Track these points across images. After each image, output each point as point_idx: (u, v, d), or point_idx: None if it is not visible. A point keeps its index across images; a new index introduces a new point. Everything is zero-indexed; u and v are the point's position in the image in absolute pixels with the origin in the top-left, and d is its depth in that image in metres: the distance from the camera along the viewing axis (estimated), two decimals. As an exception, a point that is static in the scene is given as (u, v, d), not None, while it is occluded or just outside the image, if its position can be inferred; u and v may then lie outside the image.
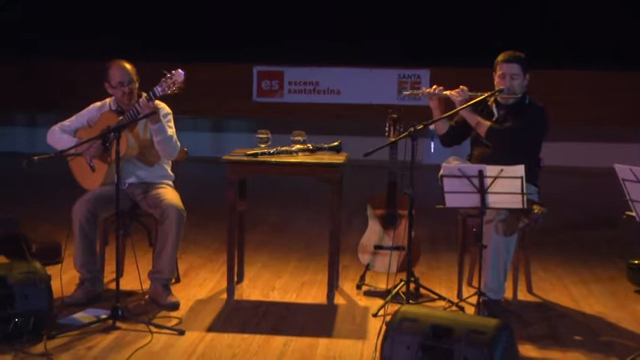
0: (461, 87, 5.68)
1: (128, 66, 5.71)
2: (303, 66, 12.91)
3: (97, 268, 5.67)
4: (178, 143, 5.74)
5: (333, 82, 12.89)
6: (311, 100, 12.85)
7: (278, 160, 5.68)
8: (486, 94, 5.59)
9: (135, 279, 5.57)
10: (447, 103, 5.73)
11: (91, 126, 5.77)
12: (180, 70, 5.35)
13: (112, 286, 5.48)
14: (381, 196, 5.99)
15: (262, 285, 6.18)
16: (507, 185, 4.88)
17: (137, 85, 5.72)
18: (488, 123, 5.59)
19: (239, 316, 5.42)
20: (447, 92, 5.70)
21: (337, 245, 5.89)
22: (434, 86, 5.78)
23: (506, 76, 5.60)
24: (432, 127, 5.70)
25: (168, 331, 5.03)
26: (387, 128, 5.79)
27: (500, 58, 5.68)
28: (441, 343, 3.99)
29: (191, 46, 12.78)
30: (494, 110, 5.70)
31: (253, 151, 5.73)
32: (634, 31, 12.16)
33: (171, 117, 5.79)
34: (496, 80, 5.68)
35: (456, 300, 5.74)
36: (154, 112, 5.44)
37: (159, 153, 5.71)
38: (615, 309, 5.76)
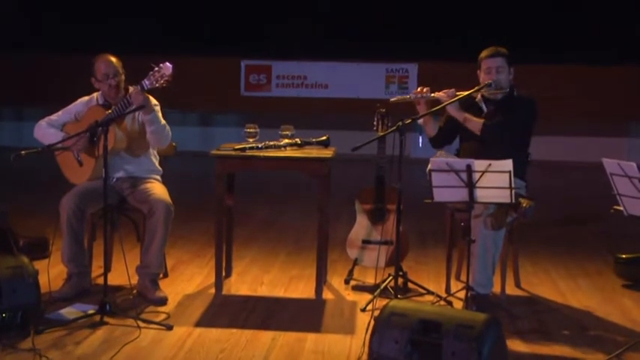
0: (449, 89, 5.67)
1: (114, 59, 5.70)
2: (291, 60, 12.88)
3: (84, 263, 5.66)
4: (170, 132, 5.71)
5: (321, 76, 12.86)
6: (299, 94, 12.82)
7: (266, 154, 5.67)
8: (474, 89, 5.59)
9: (123, 274, 5.56)
10: (434, 105, 5.69)
11: (78, 120, 5.74)
12: (167, 64, 5.34)
13: (100, 280, 5.46)
14: (369, 190, 5.99)
15: (250, 280, 6.18)
16: (495, 180, 4.88)
17: (123, 77, 5.71)
18: (480, 120, 5.58)
19: (227, 311, 5.42)
20: (435, 94, 5.68)
21: (325, 240, 5.88)
22: (419, 88, 5.74)
23: (492, 70, 5.60)
24: (420, 121, 5.69)
25: (156, 326, 5.02)
26: (375, 122, 5.79)
27: (483, 54, 5.68)
28: (429, 337, 3.99)
29: (178, 39, 12.73)
30: (483, 106, 5.70)
31: (241, 146, 5.72)
32: (622, 25, 12.17)
33: (159, 108, 5.76)
34: (481, 77, 5.68)
35: (444, 294, 5.75)
36: (144, 106, 5.41)
37: (150, 143, 5.69)
38: (603, 303, 5.77)
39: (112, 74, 5.64)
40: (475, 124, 5.58)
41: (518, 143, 5.59)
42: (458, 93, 5.60)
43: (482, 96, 5.70)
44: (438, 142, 5.86)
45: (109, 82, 5.64)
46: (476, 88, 5.60)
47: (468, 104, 5.68)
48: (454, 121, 5.71)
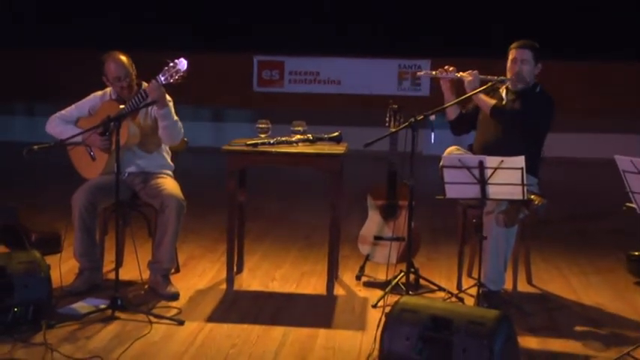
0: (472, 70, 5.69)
1: (123, 58, 5.67)
2: (304, 56, 12.89)
3: (96, 258, 5.67)
4: (182, 129, 5.71)
5: (334, 72, 12.87)
6: (311, 90, 12.83)
7: (278, 150, 5.67)
8: (496, 79, 5.60)
9: (134, 269, 5.57)
10: (458, 86, 5.74)
11: (92, 115, 5.75)
12: (182, 59, 5.31)
13: (112, 275, 5.47)
14: (381, 186, 5.99)
15: (262, 275, 6.18)
16: (508, 176, 4.86)
17: (134, 75, 5.69)
18: (491, 101, 5.60)
19: (238, 307, 5.42)
20: (459, 74, 5.70)
21: (337, 236, 5.88)
22: (446, 66, 5.77)
23: (517, 60, 5.63)
24: (432, 117, 5.68)
25: (167, 322, 5.02)
26: (387, 119, 5.78)
27: (513, 44, 5.71)
28: (440, 334, 3.99)
29: (191, 35, 12.75)
30: (504, 95, 5.72)
31: (253, 141, 5.72)
32: (636, 22, 12.14)
33: (172, 104, 5.75)
34: (508, 65, 5.69)
35: (455, 291, 5.74)
36: (157, 101, 5.41)
37: (162, 138, 5.69)
38: (615, 300, 5.76)
39: (123, 76, 5.62)
40: (485, 103, 5.61)
41: (529, 138, 5.58)
42: (481, 76, 5.62)
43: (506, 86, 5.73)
44: (458, 126, 5.89)
45: (121, 85, 5.63)
46: (498, 78, 5.60)
47: (490, 92, 5.72)
48: (477, 109, 5.73)
